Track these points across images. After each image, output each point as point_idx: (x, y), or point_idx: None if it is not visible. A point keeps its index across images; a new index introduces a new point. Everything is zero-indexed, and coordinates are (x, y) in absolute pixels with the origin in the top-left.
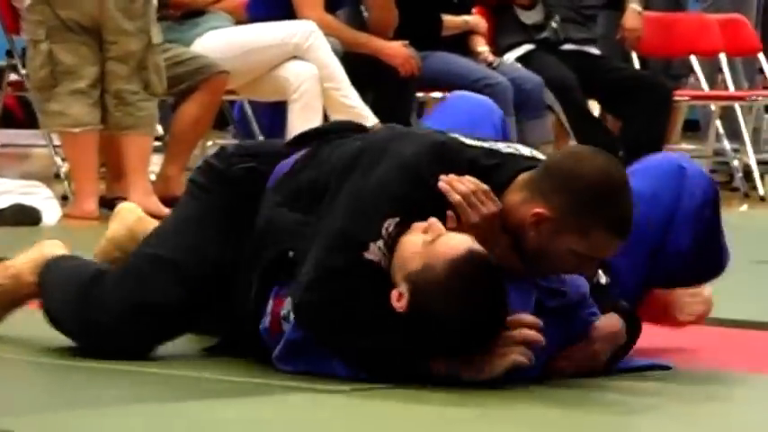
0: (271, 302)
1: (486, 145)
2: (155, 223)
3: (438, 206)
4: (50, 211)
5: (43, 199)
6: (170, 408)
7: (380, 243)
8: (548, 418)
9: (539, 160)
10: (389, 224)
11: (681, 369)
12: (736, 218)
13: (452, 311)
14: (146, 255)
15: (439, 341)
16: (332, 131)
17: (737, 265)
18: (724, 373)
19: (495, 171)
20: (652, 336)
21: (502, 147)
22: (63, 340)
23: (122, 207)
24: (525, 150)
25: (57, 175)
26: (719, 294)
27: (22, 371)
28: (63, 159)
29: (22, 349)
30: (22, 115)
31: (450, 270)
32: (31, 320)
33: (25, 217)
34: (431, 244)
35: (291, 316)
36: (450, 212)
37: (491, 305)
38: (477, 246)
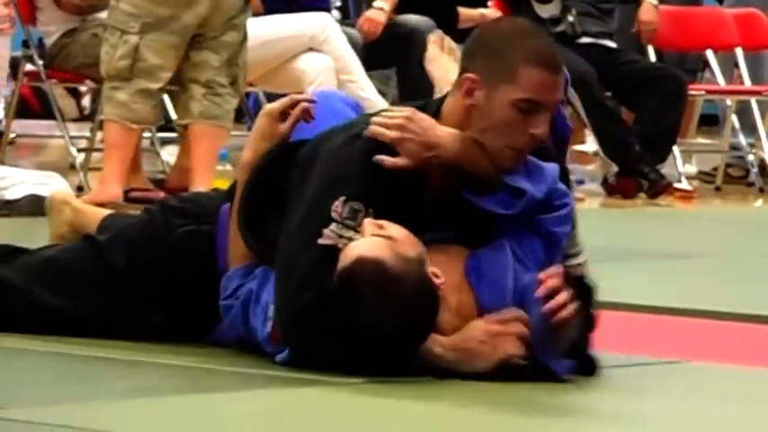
0: (272, 307)
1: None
2: (92, 211)
3: (381, 175)
4: None
5: (58, 190)
6: (181, 400)
7: (333, 226)
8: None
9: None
10: (336, 205)
11: (689, 364)
12: (750, 213)
13: (345, 321)
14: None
15: (358, 346)
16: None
17: (751, 259)
18: (731, 367)
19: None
20: (655, 329)
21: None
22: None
23: (55, 198)
24: None
25: (72, 166)
26: (734, 290)
27: (28, 361)
28: (78, 150)
29: (27, 339)
30: (38, 106)
31: (341, 283)
32: None
33: (40, 208)
34: (346, 247)
35: None
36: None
37: (378, 310)
38: (370, 251)
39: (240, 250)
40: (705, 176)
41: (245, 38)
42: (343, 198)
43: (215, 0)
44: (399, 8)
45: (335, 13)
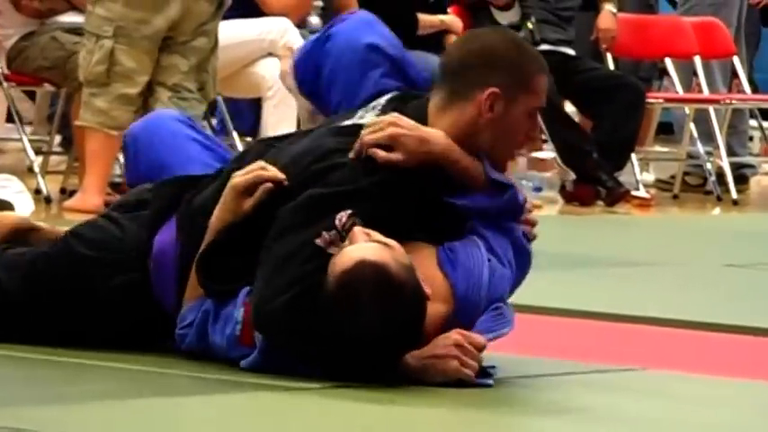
0: (241, 310)
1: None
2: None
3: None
4: (23, 205)
5: (16, 192)
6: (139, 404)
7: (333, 232)
8: (504, 421)
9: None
10: (341, 216)
11: (643, 372)
12: (709, 221)
13: (348, 322)
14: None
15: (342, 349)
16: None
17: (709, 268)
18: (685, 376)
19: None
20: (613, 336)
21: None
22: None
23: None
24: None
25: (29, 169)
26: (690, 297)
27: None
28: (36, 153)
29: None
30: None
31: (340, 283)
32: None
33: None
34: (337, 255)
35: None
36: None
37: (385, 310)
38: (372, 255)
39: (197, 292)
40: (663, 184)
41: (215, 44)
42: (350, 212)
43: (186, 5)
44: None
45: (316, 19)
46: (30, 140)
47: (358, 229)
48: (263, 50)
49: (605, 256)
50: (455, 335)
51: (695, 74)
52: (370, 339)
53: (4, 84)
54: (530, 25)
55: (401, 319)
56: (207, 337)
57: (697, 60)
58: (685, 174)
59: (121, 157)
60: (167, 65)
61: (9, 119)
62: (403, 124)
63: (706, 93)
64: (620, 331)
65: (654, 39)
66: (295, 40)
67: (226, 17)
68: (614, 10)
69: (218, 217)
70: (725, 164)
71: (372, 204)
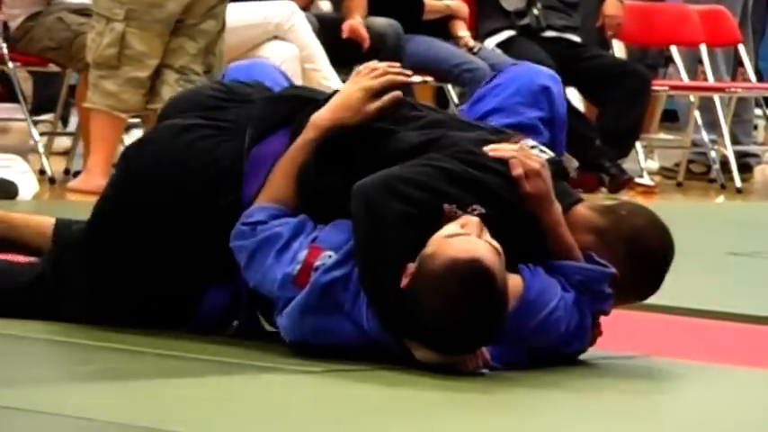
0: (305, 252)
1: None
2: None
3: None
4: (27, 185)
5: (20, 173)
6: (142, 385)
7: (460, 212)
8: (518, 403)
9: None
10: (475, 209)
11: (645, 359)
12: (712, 209)
13: (433, 307)
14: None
15: (415, 329)
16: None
17: (712, 256)
18: (688, 363)
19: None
20: (617, 323)
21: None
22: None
23: None
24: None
25: (33, 150)
26: (694, 284)
27: None
28: (41, 134)
29: None
30: (1, 89)
31: (448, 268)
32: None
33: (2, 190)
34: (452, 237)
35: (324, 266)
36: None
37: (473, 317)
38: (488, 259)
39: (273, 192)
40: (667, 172)
41: (222, 27)
42: (483, 211)
43: None
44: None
45: (327, 3)
46: (33, 121)
47: (476, 220)
48: (269, 33)
49: None
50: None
51: (700, 62)
52: (436, 329)
53: (9, 64)
54: (535, 11)
55: (478, 327)
56: (261, 257)
57: (703, 48)
58: (689, 162)
59: (126, 139)
60: (175, 47)
61: (13, 98)
62: (545, 173)
63: (711, 81)
64: (622, 318)
65: (659, 26)
66: (301, 23)
67: (232, 0)
68: None
69: (333, 112)
70: (729, 152)
71: (503, 217)
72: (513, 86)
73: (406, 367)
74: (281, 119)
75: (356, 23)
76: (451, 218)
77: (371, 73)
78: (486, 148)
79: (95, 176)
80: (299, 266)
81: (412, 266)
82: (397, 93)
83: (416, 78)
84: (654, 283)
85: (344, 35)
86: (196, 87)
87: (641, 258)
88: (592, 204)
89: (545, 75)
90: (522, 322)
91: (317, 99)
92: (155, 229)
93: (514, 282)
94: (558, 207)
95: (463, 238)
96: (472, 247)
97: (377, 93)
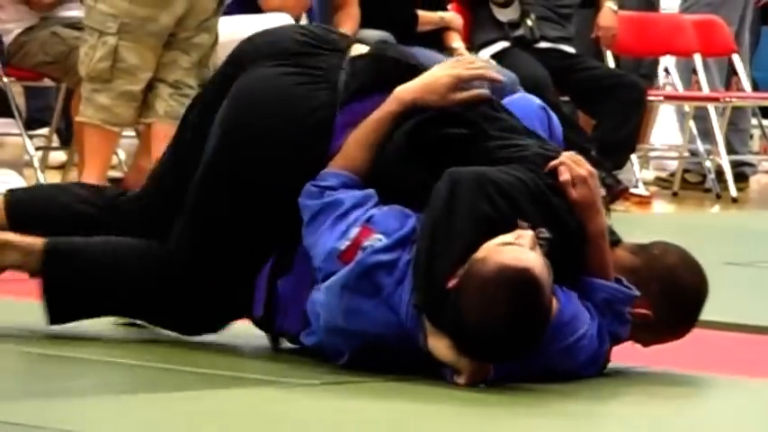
0: (356, 230)
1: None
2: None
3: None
4: None
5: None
6: (139, 399)
7: (530, 231)
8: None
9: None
10: (543, 233)
11: (644, 370)
12: (708, 219)
13: (477, 311)
14: None
15: (458, 331)
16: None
17: (709, 266)
18: (687, 375)
19: None
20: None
21: None
22: (26, 326)
23: None
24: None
25: (29, 164)
26: None
27: None
28: (36, 149)
29: None
30: None
31: (495, 275)
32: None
33: None
34: (506, 245)
35: (372, 247)
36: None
37: (515, 327)
38: (538, 270)
39: (348, 160)
40: (662, 182)
41: (215, 40)
42: (548, 235)
43: (191, 1)
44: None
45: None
46: (28, 135)
47: (531, 235)
48: None
49: None
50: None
51: (695, 71)
52: (474, 332)
53: (4, 78)
54: (529, 22)
55: (520, 339)
56: (322, 218)
57: (697, 58)
58: (685, 171)
59: (121, 153)
60: (168, 61)
61: (8, 113)
62: (593, 182)
63: (706, 90)
64: None
65: (654, 36)
66: None
67: (226, 13)
68: (615, 7)
69: (418, 91)
70: (724, 162)
71: (561, 242)
72: (514, 109)
73: (406, 379)
74: (380, 82)
75: None
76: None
77: (467, 64)
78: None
79: None
80: (347, 243)
81: (462, 267)
82: (485, 91)
83: (504, 78)
84: (688, 321)
85: None
86: (281, 29)
87: (675, 296)
88: (626, 244)
89: (537, 101)
90: (551, 343)
91: (416, 67)
92: (260, 179)
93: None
94: (603, 218)
95: (516, 248)
96: (524, 257)
97: (465, 84)
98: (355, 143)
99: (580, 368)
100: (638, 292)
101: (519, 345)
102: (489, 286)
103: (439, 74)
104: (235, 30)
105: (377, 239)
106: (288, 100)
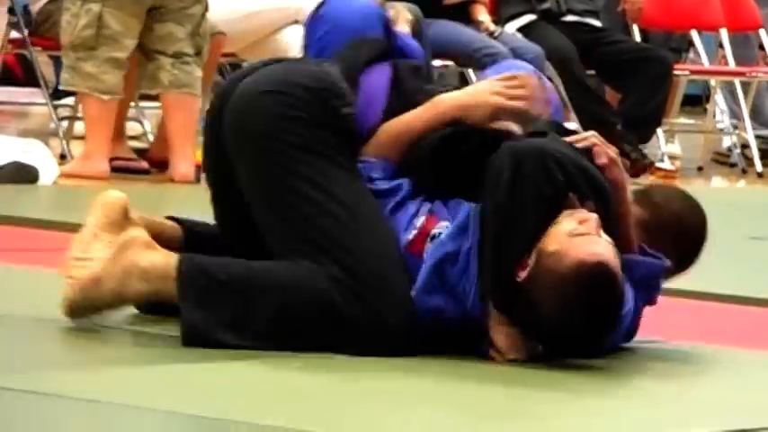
0: (422, 218)
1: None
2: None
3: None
4: (48, 170)
5: (41, 157)
6: (154, 370)
7: (578, 204)
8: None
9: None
10: (590, 206)
11: (668, 344)
12: (733, 194)
13: (554, 307)
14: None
15: (531, 324)
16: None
17: (733, 240)
18: (710, 348)
19: None
20: (648, 309)
21: None
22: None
23: (109, 202)
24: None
25: (54, 134)
26: (715, 269)
27: (18, 329)
28: (61, 119)
29: (17, 306)
30: (21, 73)
31: (573, 271)
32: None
33: (23, 175)
34: (575, 237)
35: (440, 236)
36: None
37: (592, 322)
38: (613, 263)
39: (384, 150)
40: (720, 156)
41: (206, 9)
42: (593, 207)
43: None
44: None
45: None
46: (54, 105)
47: (596, 217)
48: (290, 18)
49: None
50: None
51: (721, 46)
52: (559, 331)
53: (31, 48)
54: None
55: (595, 332)
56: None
57: (723, 32)
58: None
59: (146, 124)
60: (164, 34)
61: (34, 83)
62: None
63: (732, 65)
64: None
65: (680, 10)
66: None
67: None
68: None
69: (456, 107)
70: (750, 137)
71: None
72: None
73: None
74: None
75: None
76: (570, 206)
77: (513, 89)
78: (570, 138)
79: (95, 162)
80: (415, 232)
81: (526, 260)
82: (516, 129)
83: (545, 115)
84: (696, 257)
85: None
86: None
87: (686, 242)
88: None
89: (526, 67)
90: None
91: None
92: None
93: None
94: (630, 197)
95: (588, 239)
96: (598, 250)
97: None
98: (392, 135)
99: (615, 342)
100: (668, 262)
101: (595, 339)
102: (568, 285)
103: (483, 99)
104: (262, 1)
105: (444, 226)
106: (300, 70)
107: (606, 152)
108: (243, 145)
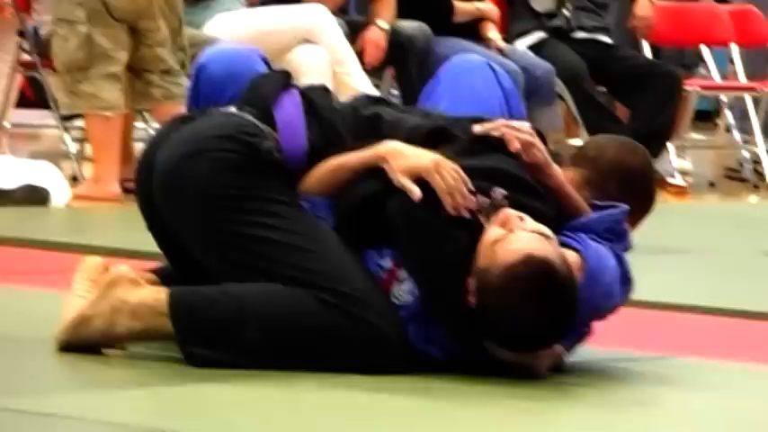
0: (389, 261)
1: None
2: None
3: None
4: (60, 192)
5: (53, 179)
6: (176, 390)
7: (487, 201)
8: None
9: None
10: (495, 191)
11: (681, 359)
12: (744, 208)
13: (510, 316)
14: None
15: (497, 336)
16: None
17: (746, 255)
18: (724, 364)
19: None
20: (649, 324)
21: None
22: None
23: (87, 266)
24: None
25: (66, 156)
26: (728, 284)
27: (29, 351)
28: (73, 140)
29: (29, 329)
30: (33, 95)
31: (507, 278)
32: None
33: (35, 197)
34: (498, 243)
35: (407, 284)
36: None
37: (549, 309)
38: (539, 249)
39: (322, 187)
40: (732, 172)
41: (181, 22)
42: (506, 192)
43: None
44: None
45: None
46: (65, 127)
47: (511, 212)
48: (300, 38)
49: (640, 244)
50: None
51: (731, 61)
52: (519, 333)
53: (41, 70)
54: (566, 12)
55: (560, 315)
56: None
57: (733, 48)
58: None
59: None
60: (151, 56)
61: (45, 105)
62: (537, 141)
63: (743, 80)
64: (655, 318)
65: (690, 26)
66: (332, 27)
67: (263, 3)
68: None
69: (400, 168)
70: (761, 151)
71: (524, 195)
72: (464, 89)
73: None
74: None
75: (374, 36)
76: (481, 209)
77: (452, 178)
78: (480, 128)
79: (106, 184)
80: (384, 275)
81: (469, 283)
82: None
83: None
84: (649, 192)
85: (359, 48)
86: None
87: (633, 183)
88: (566, 161)
89: (479, 61)
90: (593, 293)
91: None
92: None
93: (570, 256)
94: (557, 168)
95: (508, 239)
96: (519, 246)
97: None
98: (330, 173)
99: (618, 297)
100: (626, 207)
101: (565, 318)
102: (508, 293)
103: (428, 167)
104: (272, 21)
105: (404, 276)
106: (212, 125)
107: (517, 137)
108: (181, 212)
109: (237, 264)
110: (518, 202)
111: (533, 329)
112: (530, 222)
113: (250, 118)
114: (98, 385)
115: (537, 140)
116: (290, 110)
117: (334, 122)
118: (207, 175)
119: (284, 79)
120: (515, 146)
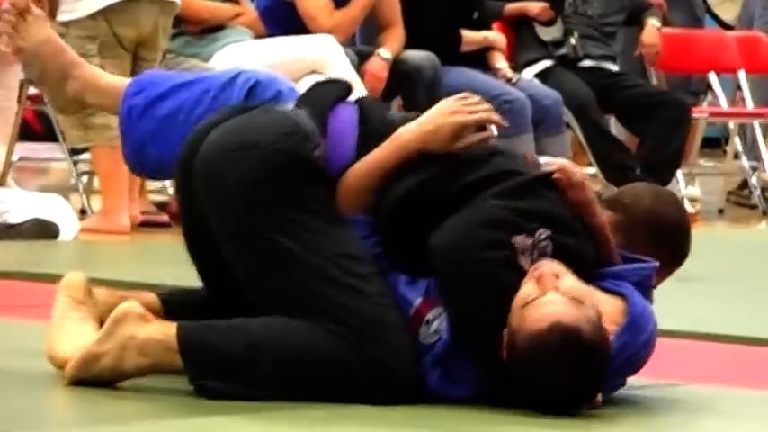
0: (419, 299)
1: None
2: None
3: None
4: (68, 225)
5: (61, 213)
6: (187, 423)
7: (529, 242)
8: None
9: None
10: (540, 233)
11: (689, 387)
12: (754, 236)
13: (534, 383)
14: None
15: (527, 398)
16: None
17: (757, 283)
18: (733, 391)
19: None
20: (661, 352)
21: None
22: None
23: (68, 284)
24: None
25: (74, 189)
26: (739, 312)
27: (41, 386)
28: (80, 174)
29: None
30: (41, 129)
31: (531, 346)
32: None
33: (43, 231)
34: (527, 306)
35: (435, 325)
36: None
37: (575, 379)
38: (567, 317)
39: (354, 200)
40: (740, 197)
41: (164, 56)
42: (549, 233)
43: (154, 22)
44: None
45: None
46: (73, 160)
47: (548, 269)
48: (308, 68)
49: None
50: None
51: (739, 88)
52: (549, 402)
53: (49, 104)
54: (573, 41)
55: (588, 379)
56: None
57: (741, 75)
58: (730, 193)
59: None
60: None
61: (52, 138)
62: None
63: (750, 107)
64: (666, 347)
65: (698, 53)
66: (339, 57)
67: (271, 34)
68: (658, 24)
69: (418, 141)
70: None
71: (569, 237)
72: None
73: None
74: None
75: (374, 67)
76: (523, 250)
77: (470, 107)
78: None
79: (116, 218)
80: (413, 311)
81: (505, 336)
82: (488, 133)
83: (506, 123)
84: (682, 245)
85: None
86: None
87: (666, 233)
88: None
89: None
90: (634, 340)
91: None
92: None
93: (614, 303)
94: (602, 211)
95: (536, 305)
96: (545, 314)
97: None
98: (357, 183)
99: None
100: (656, 262)
101: (595, 382)
102: (533, 363)
103: (441, 121)
104: (281, 52)
105: (438, 313)
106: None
107: (569, 176)
108: (218, 204)
109: (259, 269)
110: (562, 243)
111: (557, 399)
112: (566, 281)
113: (306, 120)
114: (111, 419)
115: (588, 182)
116: (344, 120)
117: (386, 136)
118: (249, 177)
119: (345, 89)
120: (563, 184)
